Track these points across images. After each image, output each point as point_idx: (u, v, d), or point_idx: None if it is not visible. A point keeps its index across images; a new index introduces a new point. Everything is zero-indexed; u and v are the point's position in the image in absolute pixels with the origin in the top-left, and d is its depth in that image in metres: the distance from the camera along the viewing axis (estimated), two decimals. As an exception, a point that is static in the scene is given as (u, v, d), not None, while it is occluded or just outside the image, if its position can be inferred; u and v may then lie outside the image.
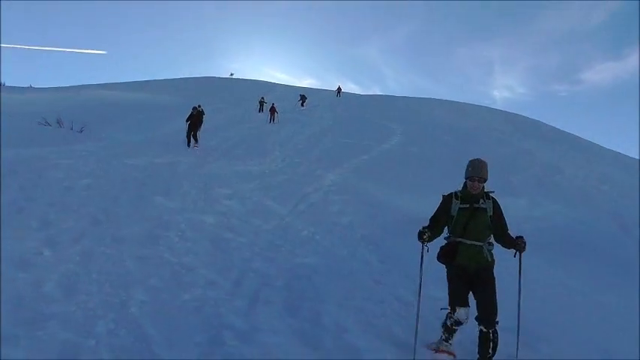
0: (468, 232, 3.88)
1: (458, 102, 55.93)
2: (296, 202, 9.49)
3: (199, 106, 22.85)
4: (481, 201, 3.92)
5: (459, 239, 3.91)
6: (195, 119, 17.71)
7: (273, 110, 29.58)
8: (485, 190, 3.97)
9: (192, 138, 17.31)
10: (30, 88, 56.58)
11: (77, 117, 24.98)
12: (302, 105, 40.34)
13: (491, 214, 3.90)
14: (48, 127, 23.44)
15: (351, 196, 10.34)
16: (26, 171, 9.17)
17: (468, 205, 3.92)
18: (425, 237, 3.90)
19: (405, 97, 59.37)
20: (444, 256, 4.00)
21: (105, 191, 8.66)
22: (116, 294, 4.58)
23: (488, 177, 3.90)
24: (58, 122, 24.65)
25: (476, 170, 3.87)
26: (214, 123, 28.28)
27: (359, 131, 23.93)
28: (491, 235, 3.98)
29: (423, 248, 3.97)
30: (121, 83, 60.40)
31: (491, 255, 3.94)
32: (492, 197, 4.00)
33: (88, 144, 17.52)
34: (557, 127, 42.51)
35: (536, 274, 7.02)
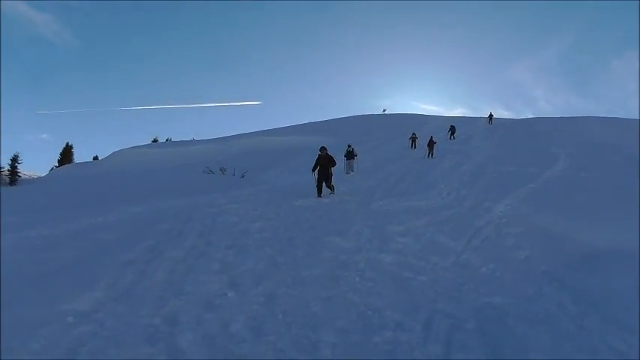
0: None
1: (617, 117, 50.66)
2: (469, 237, 9.06)
3: (350, 147, 23.48)
4: None
5: None
6: (325, 163, 14.52)
7: (432, 143, 28.82)
8: None
9: (324, 187, 14.54)
10: (193, 141, 62.47)
11: (237, 164, 26.99)
12: (451, 137, 39.03)
13: None
14: (212, 174, 25.54)
15: (525, 228, 9.61)
16: (201, 217, 9.99)
17: None
18: None
19: (561, 117, 55.19)
20: None
21: (279, 233, 9.09)
22: (305, 335, 4.63)
23: None
24: (221, 170, 26.78)
25: None
26: (372, 160, 28.67)
27: (520, 157, 22.46)
28: None
29: None
30: (275, 129, 63.68)
31: None
32: None
33: (251, 189, 18.76)
34: None
35: None
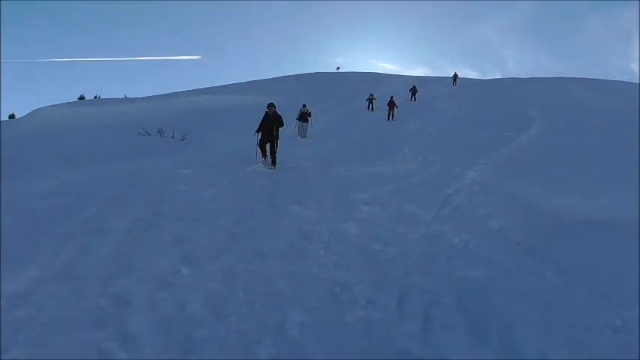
0: None
1: (596, 79, 52.11)
2: (439, 206, 9.21)
3: (304, 106, 23.24)
4: None
5: None
6: (271, 124, 13.45)
7: (392, 105, 28.90)
8: None
9: (266, 153, 13.51)
10: (125, 99, 60.70)
11: (176, 125, 26.40)
12: (412, 98, 39.50)
13: None
14: (149, 137, 24.95)
15: (498, 196, 9.84)
16: (146, 184, 9.73)
17: None
18: None
19: (534, 77, 56.40)
20: None
21: (233, 202, 8.97)
22: (269, 315, 4.58)
23: None
24: (158, 132, 26.19)
25: None
26: (328, 121, 28.60)
27: (492, 121, 22.84)
28: None
29: None
30: (217, 87, 62.39)
31: None
32: None
33: (195, 153, 18.42)
34: None
35: None
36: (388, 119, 28.01)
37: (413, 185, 11.02)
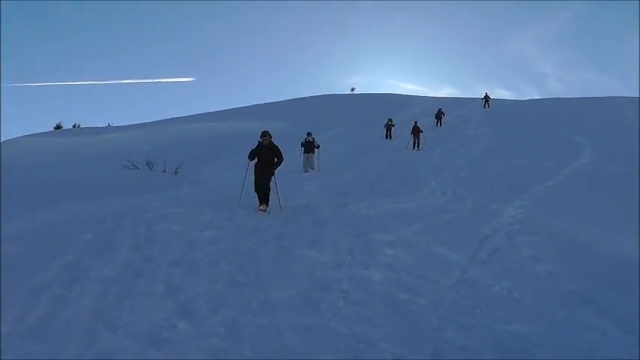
0: None
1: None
2: (475, 248, 9.16)
3: (309, 135, 23.20)
4: None
5: None
6: (267, 159, 12.68)
7: (417, 131, 29.02)
8: None
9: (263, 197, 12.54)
10: (108, 127, 61.50)
11: (167, 157, 26.53)
12: (438, 124, 39.66)
13: None
14: (136, 170, 25.14)
15: (543, 236, 9.78)
16: (133, 224, 9.75)
17: None
18: None
19: (580, 97, 56.55)
20: None
21: (237, 245, 8.97)
22: (285, 378, 4.57)
23: None
24: (147, 164, 26.36)
25: None
26: (342, 151, 28.70)
27: (531, 149, 22.91)
28: None
29: None
30: (215, 113, 62.96)
31: None
32: None
33: (190, 189, 18.48)
34: None
35: None
36: (413, 148, 28.03)
37: (443, 224, 11.01)
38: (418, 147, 28.21)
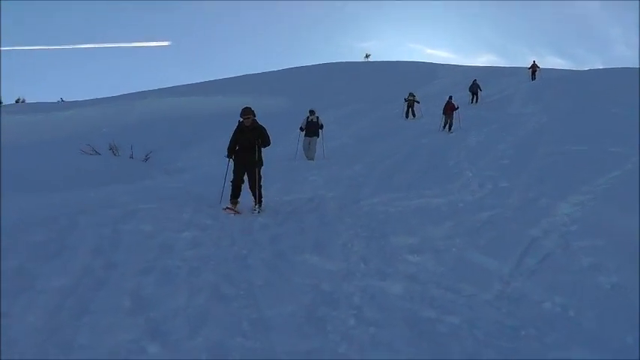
0: None
1: None
2: (520, 255, 9.12)
3: (313, 113, 22.87)
4: None
5: None
6: (248, 143, 12.42)
7: (450, 109, 28.96)
8: None
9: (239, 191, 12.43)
10: (61, 103, 61.56)
11: (136, 140, 26.51)
12: (474, 100, 39.66)
13: None
14: (97, 156, 25.16)
15: (607, 240, 9.73)
16: (94, 223, 9.68)
17: None
18: None
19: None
20: None
21: (223, 249, 9.02)
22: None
23: None
24: (110, 149, 26.38)
25: None
26: (353, 132, 28.66)
27: (592, 130, 22.75)
28: None
29: None
30: (196, 85, 62.95)
31: None
32: None
33: (165, 179, 18.47)
34: None
35: None
36: (445, 129, 27.93)
37: (480, 224, 10.97)
38: (450, 128, 28.14)
